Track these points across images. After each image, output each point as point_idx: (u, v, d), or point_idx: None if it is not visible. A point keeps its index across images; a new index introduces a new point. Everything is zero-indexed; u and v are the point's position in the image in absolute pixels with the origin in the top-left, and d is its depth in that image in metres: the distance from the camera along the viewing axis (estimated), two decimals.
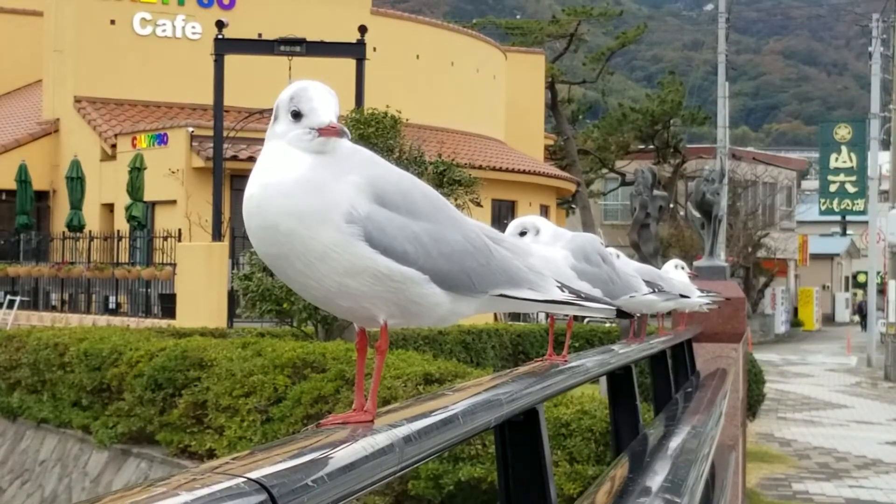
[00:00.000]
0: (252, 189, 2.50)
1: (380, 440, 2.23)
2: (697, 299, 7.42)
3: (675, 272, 7.91)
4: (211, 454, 15.71)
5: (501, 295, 2.83)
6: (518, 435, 3.51)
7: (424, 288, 2.56)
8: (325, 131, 2.48)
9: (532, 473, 3.50)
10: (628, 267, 5.59)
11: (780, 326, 72.77)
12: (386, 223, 2.50)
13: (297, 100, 2.54)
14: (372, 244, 2.47)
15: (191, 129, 36.39)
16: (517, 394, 3.31)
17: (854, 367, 47.31)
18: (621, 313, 3.27)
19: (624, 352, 5.78)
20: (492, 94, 50.86)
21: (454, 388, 3.27)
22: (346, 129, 2.51)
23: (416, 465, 2.43)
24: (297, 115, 2.52)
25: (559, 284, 3.02)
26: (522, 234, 4.47)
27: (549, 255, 4.23)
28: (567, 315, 4.59)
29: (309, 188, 2.44)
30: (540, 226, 4.51)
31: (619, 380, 5.76)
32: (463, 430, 2.70)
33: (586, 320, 34.45)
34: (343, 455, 2.09)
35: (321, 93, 2.55)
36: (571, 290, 3.04)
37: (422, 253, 2.56)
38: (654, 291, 5.44)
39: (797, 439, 24.90)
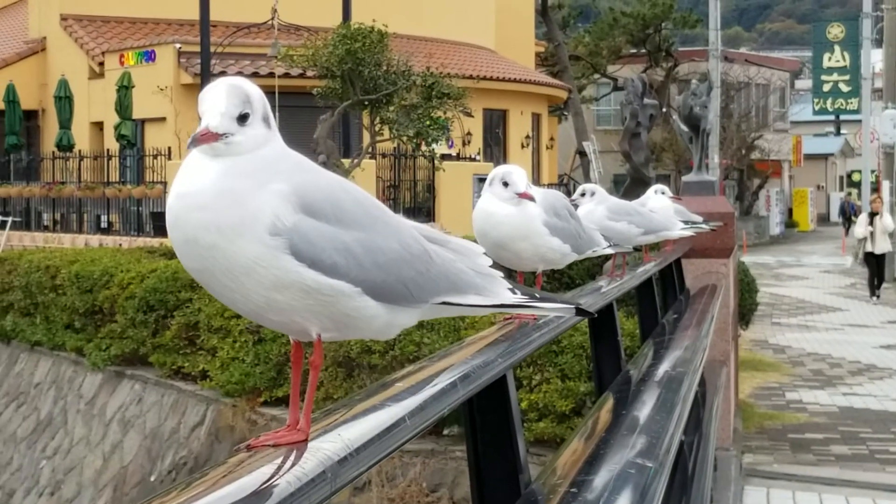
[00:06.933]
0: (169, 200, 2.38)
1: (309, 469, 2.11)
2: (679, 231, 7.32)
3: (656, 199, 7.81)
4: (204, 375, 15.78)
5: (444, 303, 2.68)
6: (486, 401, 3.40)
7: (357, 301, 2.44)
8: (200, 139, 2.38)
9: (501, 436, 3.41)
10: (599, 210, 5.64)
11: (775, 228, 72.74)
12: (313, 234, 2.37)
13: (199, 104, 2.46)
14: (298, 257, 2.35)
15: (178, 45, 36.07)
16: (484, 365, 3.20)
17: (849, 268, 47.27)
18: (580, 311, 3.13)
19: (605, 290, 5.69)
20: (481, 1, 50.31)
21: (407, 371, 3.15)
22: (220, 134, 2.39)
23: (356, 479, 2.34)
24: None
25: (511, 287, 2.84)
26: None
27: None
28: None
29: (228, 199, 2.33)
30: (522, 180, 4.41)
31: (599, 318, 5.62)
32: (410, 431, 2.57)
33: None
34: (267, 489, 1.99)
35: (212, 95, 2.45)
36: (524, 292, 2.86)
37: (353, 264, 2.43)
38: (609, 246, 5.38)
39: (791, 345, 24.92)
